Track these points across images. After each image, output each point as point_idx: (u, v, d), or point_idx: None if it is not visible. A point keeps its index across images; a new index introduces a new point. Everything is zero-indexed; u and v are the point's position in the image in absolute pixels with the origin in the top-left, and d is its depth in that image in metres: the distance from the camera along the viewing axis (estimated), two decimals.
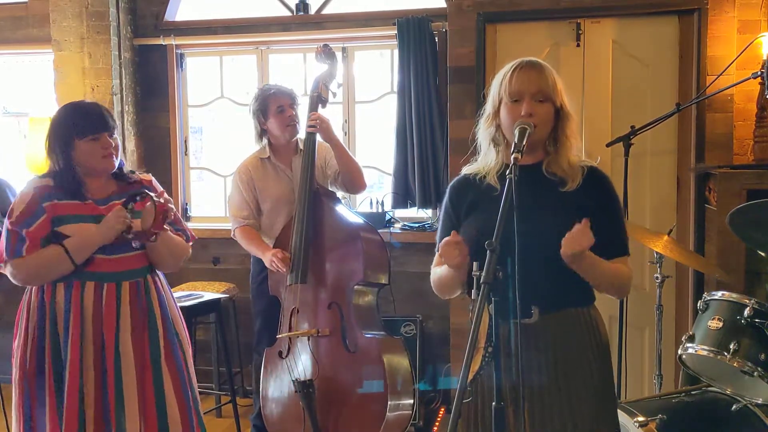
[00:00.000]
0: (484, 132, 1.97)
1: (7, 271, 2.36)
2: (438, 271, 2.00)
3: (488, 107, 1.95)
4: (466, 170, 2.03)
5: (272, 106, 3.31)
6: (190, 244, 2.64)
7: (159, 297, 2.50)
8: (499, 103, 1.91)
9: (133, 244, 2.38)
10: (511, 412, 1.81)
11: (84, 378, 2.33)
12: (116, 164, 2.44)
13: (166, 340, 2.48)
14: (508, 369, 1.78)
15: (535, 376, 1.86)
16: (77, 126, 2.36)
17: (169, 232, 2.46)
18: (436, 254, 1.99)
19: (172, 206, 2.39)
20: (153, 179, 2.60)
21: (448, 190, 2.05)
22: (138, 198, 2.35)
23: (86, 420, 2.32)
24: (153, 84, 4.51)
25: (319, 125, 3.21)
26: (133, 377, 2.38)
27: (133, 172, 2.58)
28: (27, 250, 2.31)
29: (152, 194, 2.36)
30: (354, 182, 3.37)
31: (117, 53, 4.25)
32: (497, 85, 1.92)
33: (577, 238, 1.74)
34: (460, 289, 1.98)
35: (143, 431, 2.39)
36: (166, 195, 2.42)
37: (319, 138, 3.27)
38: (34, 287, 2.42)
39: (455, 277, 1.89)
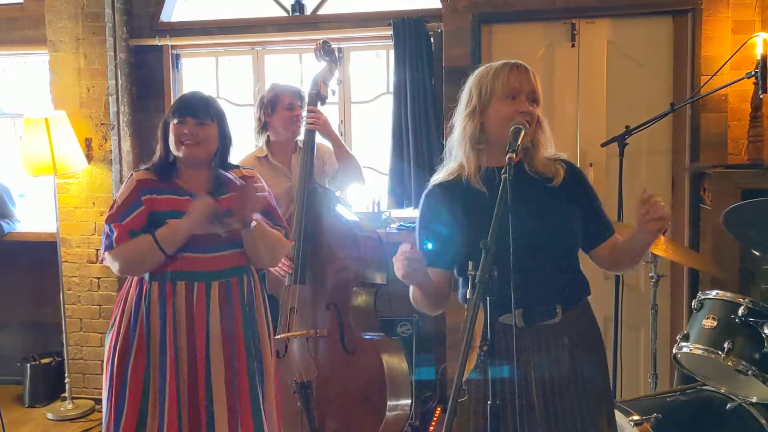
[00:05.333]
0: (463, 130, 1.92)
1: (107, 263, 2.42)
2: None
3: (472, 104, 1.91)
4: (436, 179, 1.99)
5: (283, 101, 3.30)
6: (290, 243, 2.59)
7: (249, 297, 2.47)
8: (489, 99, 1.88)
9: (222, 234, 2.32)
10: (510, 411, 1.81)
11: (180, 378, 2.34)
12: (201, 154, 2.39)
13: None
14: (521, 368, 1.80)
15: (555, 374, 1.87)
16: (172, 108, 2.41)
17: (265, 225, 2.42)
18: None
19: (265, 194, 2.35)
20: (257, 176, 2.55)
21: (423, 200, 1.99)
22: (224, 189, 2.29)
23: (182, 419, 2.34)
24: (149, 85, 4.50)
25: (317, 122, 3.22)
26: (221, 378, 2.36)
27: (237, 167, 2.53)
28: (116, 241, 2.34)
29: (233, 177, 2.30)
30: (354, 176, 3.39)
31: (112, 54, 4.25)
32: (486, 82, 1.89)
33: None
34: (441, 304, 1.95)
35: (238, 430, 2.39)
36: (264, 186, 2.39)
37: (318, 139, 3.29)
38: (133, 281, 2.43)
39: (422, 293, 1.85)
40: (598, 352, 1.98)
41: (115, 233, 2.34)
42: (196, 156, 2.39)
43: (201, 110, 2.37)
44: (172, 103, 4.39)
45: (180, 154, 2.39)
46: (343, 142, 3.39)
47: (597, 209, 2.00)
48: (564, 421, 1.87)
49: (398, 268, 1.73)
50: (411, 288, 1.92)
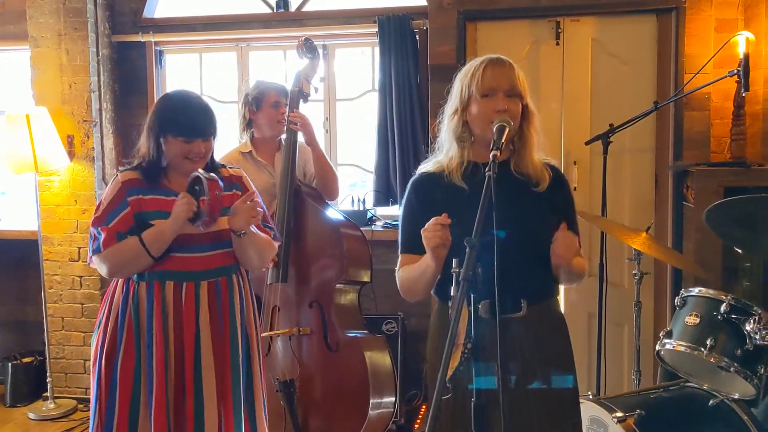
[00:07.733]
0: (448, 127, 1.96)
1: (95, 266, 2.38)
2: (408, 270, 1.93)
3: (454, 102, 1.94)
4: (425, 168, 2.01)
5: (269, 99, 3.29)
6: (277, 244, 2.58)
7: (240, 298, 2.46)
8: (468, 98, 1.91)
9: (201, 228, 2.29)
10: (491, 407, 1.81)
11: (168, 378, 2.32)
12: (202, 165, 2.37)
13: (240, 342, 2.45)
14: (491, 364, 1.79)
15: (520, 368, 1.88)
16: (175, 123, 2.32)
17: (255, 230, 2.40)
18: (401, 256, 1.97)
19: (256, 198, 2.37)
20: (244, 175, 2.53)
21: (411, 187, 2.01)
22: (198, 181, 2.26)
23: (171, 418, 2.32)
24: (132, 81, 4.46)
25: (301, 123, 3.20)
26: (212, 379, 2.35)
27: (223, 166, 2.50)
28: (104, 244, 2.30)
29: (205, 174, 2.26)
30: (327, 189, 3.34)
31: (95, 50, 4.20)
32: (466, 80, 1.92)
33: (570, 243, 1.84)
34: (428, 290, 1.95)
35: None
36: (253, 188, 2.43)
37: (300, 139, 3.27)
38: (119, 282, 2.40)
39: (431, 273, 1.81)
40: (563, 351, 1.99)
41: (102, 236, 2.31)
42: (198, 168, 2.36)
43: (208, 128, 2.36)
44: (155, 100, 4.39)
45: (183, 168, 2.36)
46: (324, 152, 3.35)
47: (572, 219, 2.03)
48: (525, 418, 1.87)
49: (432, 236, 1.73)
50: (409, 271, 1.91)
